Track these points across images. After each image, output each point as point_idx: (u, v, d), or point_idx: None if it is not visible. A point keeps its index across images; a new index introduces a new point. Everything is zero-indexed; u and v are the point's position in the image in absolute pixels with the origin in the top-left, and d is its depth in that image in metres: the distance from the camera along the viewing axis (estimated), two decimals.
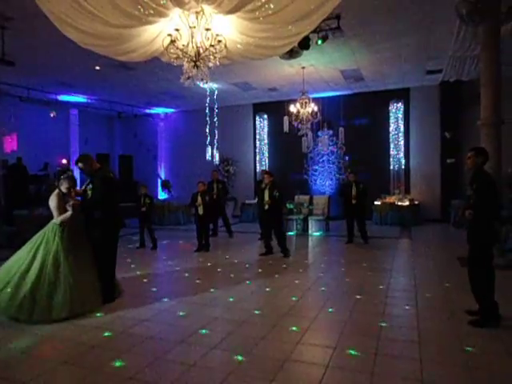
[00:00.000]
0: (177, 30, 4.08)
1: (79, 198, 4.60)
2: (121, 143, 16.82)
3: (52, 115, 12.12)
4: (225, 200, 10.22)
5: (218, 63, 4.39)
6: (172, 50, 4.23)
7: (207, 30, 4.06)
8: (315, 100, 10.90)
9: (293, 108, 10.40)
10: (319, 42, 7.54)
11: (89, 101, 13.31)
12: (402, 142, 12.60)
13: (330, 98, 12.82)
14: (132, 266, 6.52)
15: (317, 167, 13.61)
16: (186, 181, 15.21)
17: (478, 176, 3.78)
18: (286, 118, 10.76)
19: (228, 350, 3.23)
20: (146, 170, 15.94)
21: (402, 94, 12.50)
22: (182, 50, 4.23)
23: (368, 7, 6.69)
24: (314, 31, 6.78)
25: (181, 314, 4.14)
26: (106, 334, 3.60)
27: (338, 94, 12.88)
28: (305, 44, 7.36)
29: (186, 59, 4.32)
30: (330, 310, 4.22)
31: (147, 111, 15.41)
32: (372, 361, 2.98)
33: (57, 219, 4.29)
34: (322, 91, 12.47)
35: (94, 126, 15.64)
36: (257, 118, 14.53)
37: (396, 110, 12.67)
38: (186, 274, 5.95)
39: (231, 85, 11.78)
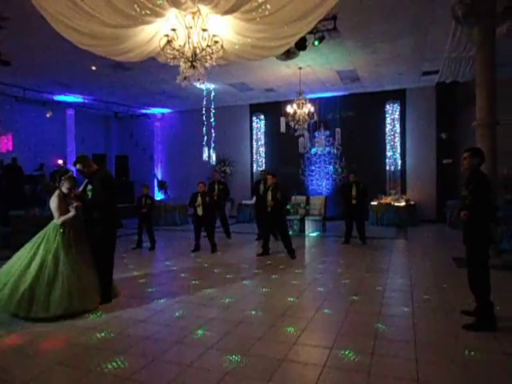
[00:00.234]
0: (173, 30, 4.08)
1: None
2: (117, 143, 16.78)
3: (48, 115, 12.06)
4: (225, 201, 10.15)
5: (214, 64, 4.39)
6: (169, 51, 4.23)
7: (204, 30, 4.06)
8: (312, 100, 10.94)
9: (289, 108, 10.41)
10: (316, 42, 7.57)
11: (85, 101, 13.26)
12: (398, 143, 12.66)
13: (326, 99, 12.86)
14: (129, 266, 6.51)
15: (313, 167, 13.63)
16: (182, 181, 15.21)
17: (474, 177, 3.75)
18: (282, 119, 10.78)
19: (225, 350, 3.23)
20: (142, 171, 15.91)
21: (399, 95, 12.55)
22: (178, 51, 4.22)
23: (364, 8, 6.71)
24: (311, 32, 6.79)
25: (177, 314, 4.14)
26: (103, 334, 3.59)
27: (334, 94, 12.92)
28: (301, 45, 7.39)
29: (182, 59, 4.31)
30: (327, 310, 4.22)
31: (144, 111, 15.37)
32: (368, 361, 2.99)
33: (58, 220, 4.31)
34: (319, 92, 12.50)
35: (91, 126, 15.60)
36: (253, 118, 14.54)
37: (392, 110, 12.73)
38: (183, 275, 5.94)
39: (228, 85, 11.78)
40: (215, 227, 8.22)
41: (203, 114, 12.70)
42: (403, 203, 11.63)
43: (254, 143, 14.56)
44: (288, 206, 9.73)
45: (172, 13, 3.95)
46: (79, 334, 3.60)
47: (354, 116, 12.90)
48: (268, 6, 3.60)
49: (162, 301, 4.61)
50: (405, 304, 4.40)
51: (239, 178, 14.44)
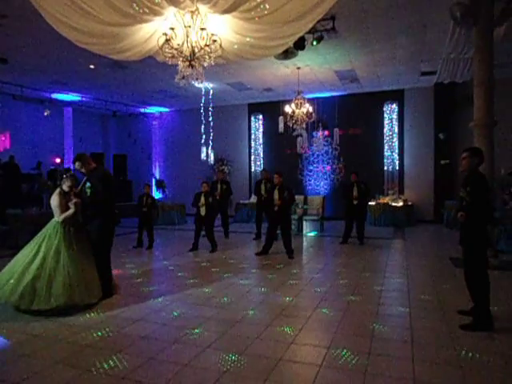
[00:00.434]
0: (172, 29, 4.07)
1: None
2: (115, 142, 16.75)
3: (46, 113, 12.03)
4: (228, 201, 10.13)
5: (212, 63, 4.39)
6: (167, 50, 4.23)
7: (202, 29, 4.06)
8: (310, 100, 10.95)
9: (288, 108, 10.42)
10: (314, 42, 7.58)
11: (83, 99, 13.23)
12: (396, 143, 12.69)
13: (324, 99, 12.87)
14: (127, 265, 6.50)
15: (311, 167, 13.65)
16: (180, 180, 15.21)
17: (473, 178, 3.69)
18: (281, 119, 10.78)
19: (222, 349, 3.23)
20: (140, 170, 15.90)
21: (397, 95, 12.57)
22: (176, 50, 4.22)
23: (363, 9, 6.72)
24: (309, 32, 6.80)
25: (174, 313, 4.13)
26: (99, 333, 3.58)
27: (332, 94, 12.93)
28: (300, 44, 7.39)
29: (180, 58, 4.31)
30: (324, 310, 4.23)
31: (142, 110, 15.35)
32: (365, 361, 2.99)
33: (59, 217, 4.40)
34: (317, 92, 12.52)
35: (89, 125, 15.56)
36: (252, 118, 14.53)
37: (390, 111, 12.75)
38: (181, 274, 5.94)
39: (226, 85, 11.78)
40: (214, 226, 8.21)
41: (201, 114, 12.70)
42: (401, 203, 11.65)
43: (253, 143, 14.56)
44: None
45: (170, 11, 3.95)
46: (76, 333, 3.60)
47: (352, 116, 12.91)
48: (267, 6, 3.60)
49: (159, 300, 4.61)
50: (402, 304, 4.41)
51: (237, 178, 14.44)
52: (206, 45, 4.17)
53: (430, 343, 3.32)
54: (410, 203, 11.88)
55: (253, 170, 14.55)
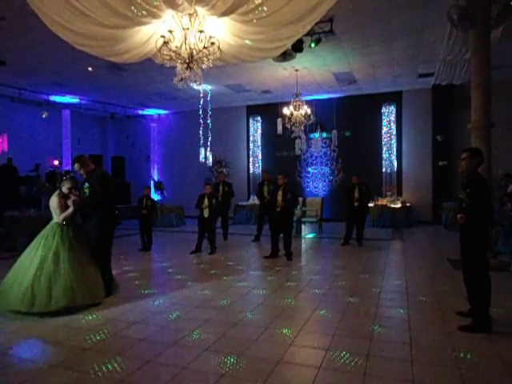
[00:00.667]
0: (170, 31, 4.08)
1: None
2: (113, 144, 16.73)
3: (44, 116, 12.01)
4: (229, 203, 10.14)
5: (211, 65, 4.39)
6: (165, 52, 4.23)
7: (200, 31, 4.06)
8: (308, 102, 10.98)
9: (286, 110, 10.43)
10: (312, 44, 7.60)
11: (81, 101, 13.22)
12: (394, 145, 12.71)
13: (323, 101, 12.90)
14: (125, 267, 6.48)
15: (310, 169, 13.67)
16: (178, 182, 15.20)
17: (473, 179, 3.64)
18: (279, 120, 10.79)
19: (220, 351, 3.23)
20: (138, 172, 15.89)
21: (395, 97, 12.61)
22: (175, 52, 4.22)
23: (361, 11, 6.74)
24: (308, 34, 6.80)
25: (173, 315, 4.13)
26: (98, 336, 3.57)
27: (331, 96, 12.96)
28: (298, 47, 7.41)
29: (179, 61, 4.32)
30: (323, 311, 4.22)
31: (140, 112, 15.34)
32: (364, 362, 2.99)
33: (59, 217, 4.43)
34: (316, 93, 12.54)
35: (87, 127, 15.55)
36: (250, 119, 14.55)
37: (388, 112, 12.78)
38: (179, 276, 5.93)
39: (225, 87, 11.79)
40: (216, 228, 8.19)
41: (200, 116, 12.70)
42: (399, 205, 11.68)
43: (251, 145, 14.58)
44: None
45: (169, 14, 3.96)
46: (74, 336, 3.58)
47: (350, 118, 12.94)
48: (265, 8, 3.61)
49: (157, 302, 4.60)
50: (400, 305, 4.41)
51: (235, 180, 14.39)
52: (204, 47, 4.17)
53: (428, 344, 3.33)
54: (408, 204, 11.90)
55: (251, 171, 14.55)
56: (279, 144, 13.26)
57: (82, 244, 4.51)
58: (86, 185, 4.69)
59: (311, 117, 10.60)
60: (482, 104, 6.54)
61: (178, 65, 4.38)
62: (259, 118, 14.43)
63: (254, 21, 3.83)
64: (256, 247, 8.66)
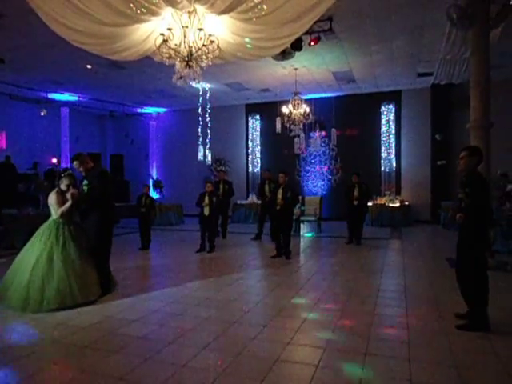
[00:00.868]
0: (169, 29, 4.07)
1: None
2: (112, 142, 16.70)
3: (42, 113, 11.98)
4: (229, 202, 10.14)
5: (210, 63, 4.39)
6: (164, 50, 4.23)
7: (200, 29, 4.06)
8: (307, 101, 10.97)
9: (285, 109, 10.43)
10: (311, 43, 7.56)
11: (80, 99, 13.19)
12: (393, 144, 12.72)
13: (322, 100, 12.89)
14: (123, 265, 6.47)
15: (309, 168, 13.67)
16: (177, 181, 15.19)
17: (472, 179, 3.60)
18: (278, 119, 10.80)
19: (219, 350, 3.23)
20: (137, 170, 15.86)
21: (394, 96, 12.61)
22: (174, 50, 4.22)
23: (360, 10, 6.74)
24: (307, 33, 6.81)
25: (172, 314, 4.13)
26: (96, 334, 3.57)
27: (330, 95, 12.96)
28: (297, 45, 7.40)
29: (178, 59, 4.31)
30: (321, 310, 4.23)
31: (139, 110, 15.32)
32: (362, 361, 3.00)
33: (57, 211, 4.44)
34: (315, 92, 12.53)
35: (85, 125, 15.51)
36: (249, 118, 14.54)
37: (387, 111, 12.78)
38: (178, 274, 5.92)
39: (224, 85, 11.78)
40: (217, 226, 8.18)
41: (199, 114, 12.68)
42: (398, 204, 11.69)
43: (250, 143, 14.57)
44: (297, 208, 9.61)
45: (168, 12, 3.95)
46: (73, 333, 3.58)
47: (349, 117, 12.94)
48: (264, 7, 3.61)
49: (156, 300, 4.59)
50: (399, 304, 4.42)
51: (234, 178, 14.37)
52: (203, 45, 4.17)
53: (426, 343, 3.33)
54: (406, 204, 11.92)
55: (250, 170, 14.55)
56: (278, 143, 13.26)
57: (79, 242, 4.49)
58: (85, 182, 4.69)
59: (310, 115, 10.60)
60: (481, 103, 6.55)
61: (177, 63, 4.37)
62: (258, 117, 14.42)
63: (254, 19, 3.83)
64: (254, 246, 8.67)
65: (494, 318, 3.71)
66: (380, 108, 12.80)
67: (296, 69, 10.00)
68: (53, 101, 12.93)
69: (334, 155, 13.29)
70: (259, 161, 14.46)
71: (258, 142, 14.48)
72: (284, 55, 7.79)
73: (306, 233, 10.31)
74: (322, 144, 13.37)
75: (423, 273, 6.02)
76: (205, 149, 12.43)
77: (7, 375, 2.85)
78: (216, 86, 11.74)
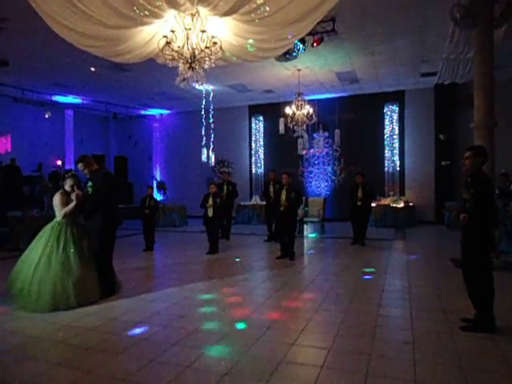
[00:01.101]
0: (172, 31, 4.09)
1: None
2: (116, 144, 16.77)
3: (47, 116, 12.04)
4: (233, 203, 10.14)
5: (213, 65, 4.40)
6: (167, 52, 4.24)
7: (203, 31, 4.07)
8: (311, 102, 10.96)
9: (288, 110, 10.42)
10: (314, 44, 7.55)
11: (84, 102, 13.25)
12: (396, 144, 12.68)
13: (325, 100, 12.87)
14: (127, 267, 6.49)
15: (312, 169, 13.65)
16: (181, 182, 15.21)
17: (477, 179, 3.57)
18: (281, 120, 10.80)
19: (223, 351, 3.23)
20: (141, 172, 15.90)
21: (397, 97, 12.57)
22: (177, 52, 4.23)
23: (363, 10, 6.73)
24: (310, 33, 6.80)
25: (175, 315, 4.13)
26: (100, 336, 3.58)
27: (333, 96, 12.94)
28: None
29: (181, 61, 4.32)
30: (325, 311, 4.22)
31: (142, 112, 15.37)
32: (366, 362, 2.99)
33: (61, 212, 4.49)
34: (318, 93, 12.52)
35: (89, 127, 15.59)
36: (252, 119, 14.54)
37: (391, 112, 12.75)
38: (182, 276, 5.93)
39: (227, 86, 11.79)
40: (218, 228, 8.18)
41: (202, 115, 12.70)
42: (402, 204, 11.64)
43: (253, 144, 14.57)
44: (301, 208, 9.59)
45: (171, 14, 3.96)
46: (77, 335, 3.60)
47: (352, 117, 12.91)
48: (267, 8, 3.61)
49: (160, 302, 4.60)
50: (403, 305, 4.41)
51: (238, 179, 14.35)
52: (206, 47, 4.18)
53: (430, 344, 3.32)
54: (411, 204, 11.87)
55: (253, 171, 14.55)
56: (281, 144, 13.25)
57: (81, 244, 4.50)
58: (90, 184, 4.73)
59: (313, 116, 10.59)
60: (485, 103, 6.51)
61: (180, 65, 4.38)
62: (261, 118, 14.42)
63: (256, 20, 3.83)
64: (258, 247, 8.66)
65: (500, 319, 3.68)
66: (383, 108, 12.76)
67: (299, 70, 10.00)
68: (57, 103, 13.00)
69: (337, 156, 13.27)
70: (262, 162, 14.45)
71: (262, 143, 14.48)
72: (287, 56, 7.79)
73: (309, 234, 10.29)
74: (326, 145, 13.35)
75: (427, 273, 5.99)
76: (208, 150, 12.44)
77: (11, 377, 2.86)
78: (219, 87, 11.75)
